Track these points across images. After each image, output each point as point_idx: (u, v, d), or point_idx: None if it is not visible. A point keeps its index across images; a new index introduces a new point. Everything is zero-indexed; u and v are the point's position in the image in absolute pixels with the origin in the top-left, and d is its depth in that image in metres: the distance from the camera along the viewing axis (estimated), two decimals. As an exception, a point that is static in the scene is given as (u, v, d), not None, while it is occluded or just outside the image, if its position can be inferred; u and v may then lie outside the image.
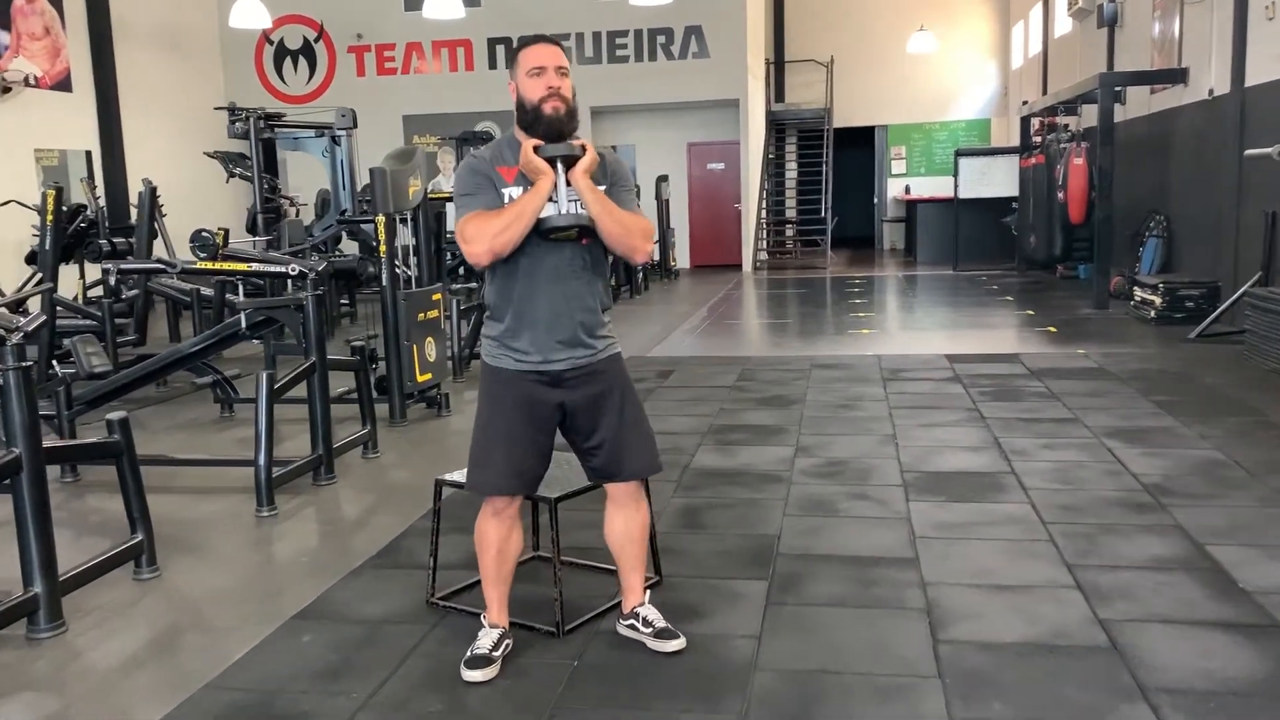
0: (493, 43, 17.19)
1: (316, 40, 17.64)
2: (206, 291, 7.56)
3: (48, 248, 7.09)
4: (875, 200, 21.06)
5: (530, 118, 2.84)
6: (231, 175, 11.88)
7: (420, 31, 17.23)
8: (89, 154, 14.45)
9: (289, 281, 4.93)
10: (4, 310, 3.44)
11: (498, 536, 3.00)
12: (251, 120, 6.96)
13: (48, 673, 3.12)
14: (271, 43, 17.55)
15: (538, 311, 2.89)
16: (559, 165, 2.81)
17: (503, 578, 3.06)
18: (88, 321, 6.73)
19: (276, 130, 6.70)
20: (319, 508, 4.76)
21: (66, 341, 4.95)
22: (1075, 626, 3.16)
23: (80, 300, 9.32)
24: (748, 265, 17.30)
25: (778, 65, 20.30)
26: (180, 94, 16.07)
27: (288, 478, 4.79)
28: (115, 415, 3.71)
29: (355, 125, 6.26)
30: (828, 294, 13.81)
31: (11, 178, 12.76)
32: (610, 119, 17.40)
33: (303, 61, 17.75)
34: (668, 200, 15.90)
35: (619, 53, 16.85)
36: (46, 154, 14.12)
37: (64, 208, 7.49)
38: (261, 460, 4.55)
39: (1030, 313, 10.84)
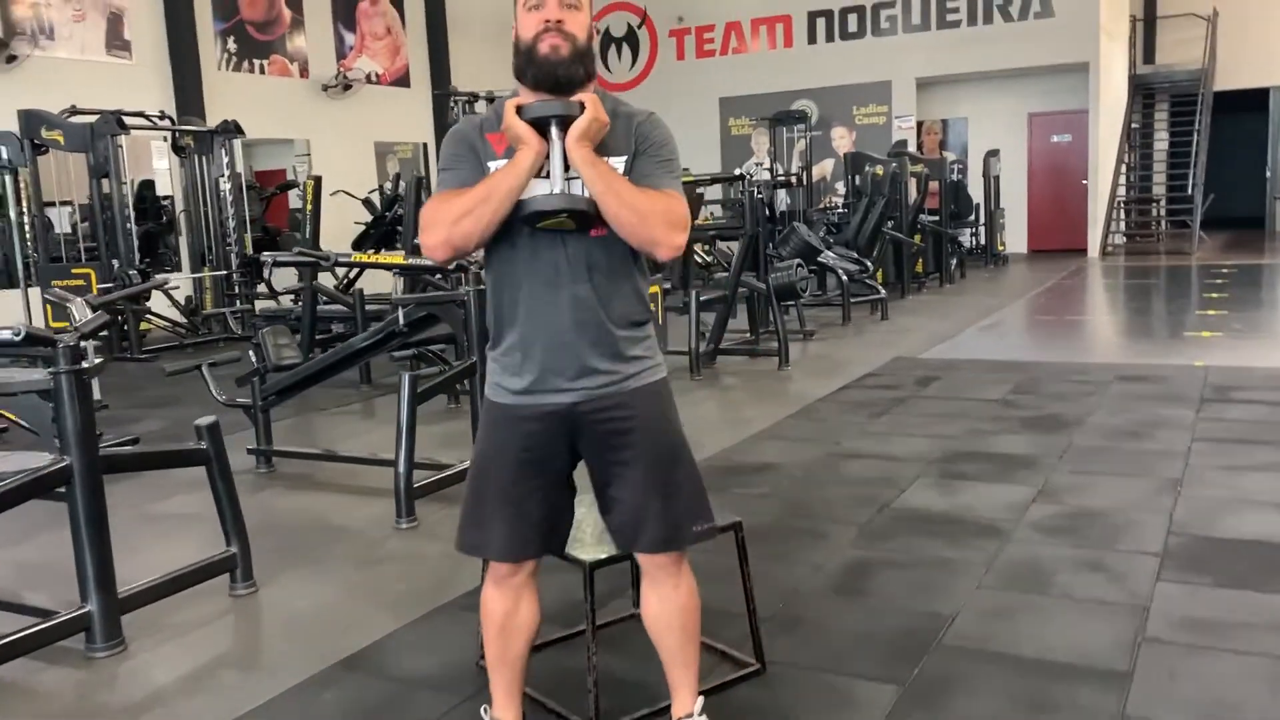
0: (813, 16, 16.35)
1: (639, 26, 17.68)
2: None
3: (306, 235, 7.32)
4: (1268, 175, 17.91)
5: (523, 62, 2.14)
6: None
7: (740, 10, 16.76)
8: (424, 146, 15.33)
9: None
10: (80, 302, 3.28)
11: (500, 610, 2.35)
12: (460, 105, 6.74)
13: (70, 698, 2.91)
14: (598, 31, 17.79)
15: (536, 328, 2.18)
16: (553, 130, 2.07)
17: (509, 661, 2.40)
18: (338, 309, 6.86)
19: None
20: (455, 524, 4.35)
21: (258, 333, 4.90)
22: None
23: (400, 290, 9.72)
24: (1094, 250, 15.25)
25: (1147, 22, 17.75)
26: (510, 85, 16.63)
27: (433, 486, 4.43)
28: (204, 421, 3.47)
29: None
30: (1180, 286, 11.75)
31: (353, 169, 13.73)
32: (939, 90, 16.00)
33: (626, 49, 17.87)
34: (997, 177, 14.31)
35: (949, 17, 15.41)
36: (402, 147, 15.15)
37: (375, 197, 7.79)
38: (401, 468, 4.21)
39: None
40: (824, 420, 5.77)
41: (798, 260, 7.62)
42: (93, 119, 9.21)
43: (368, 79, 14.35)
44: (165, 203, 11.88)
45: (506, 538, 2.29)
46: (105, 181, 9.25)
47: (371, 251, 4.99)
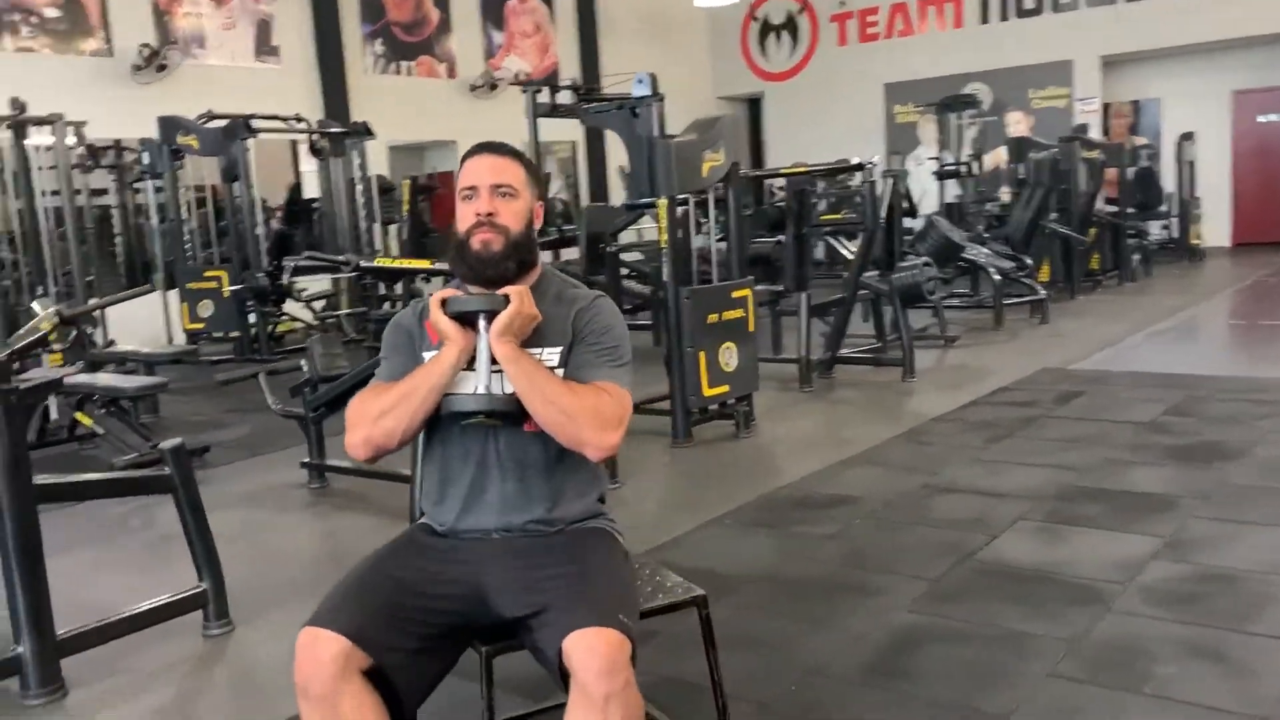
0: (985, -8, 15.17)
1: (800, 13, 16.92)
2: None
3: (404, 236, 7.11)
4: None
5: (454, 255, 2.07)
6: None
7: (906, -10, 15.76)
8: (573, 144, 15.12)
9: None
10: (50, 313, 3.01)
11: (311, 713, 1.83)
12: (529, 93, 6.30)
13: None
14: (756, 20, 17.18)
15: (464, 517, 2.06)
16: (481, 324, 1.97)
17: None
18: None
19: (585, 105, 6.00)
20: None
21: (309, 340, 4.64)
22: None
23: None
24: (1313, 242, 13.49)
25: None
26: (663, 80, 16.23)
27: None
28: (169, 444, 3.16)
29: (656, 93, 5.32)
30: None
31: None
32: (1128, 69, 14.57)
33: (785, 36, 17.14)
34: (1192, 163, 12.83)
35: (1140, -13, 13.93)
36: (559, 145, 14.99)
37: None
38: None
39: None
40: (931, 444, 5.04)
41: (924, 259, 6.83)
42: (223, 124, 9.34)
43: (515, 78, 14.23)
44: (315, 205, 12.08)
45: (339, 608, 1.90)
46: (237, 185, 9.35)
47: (394, 257, 4.71)
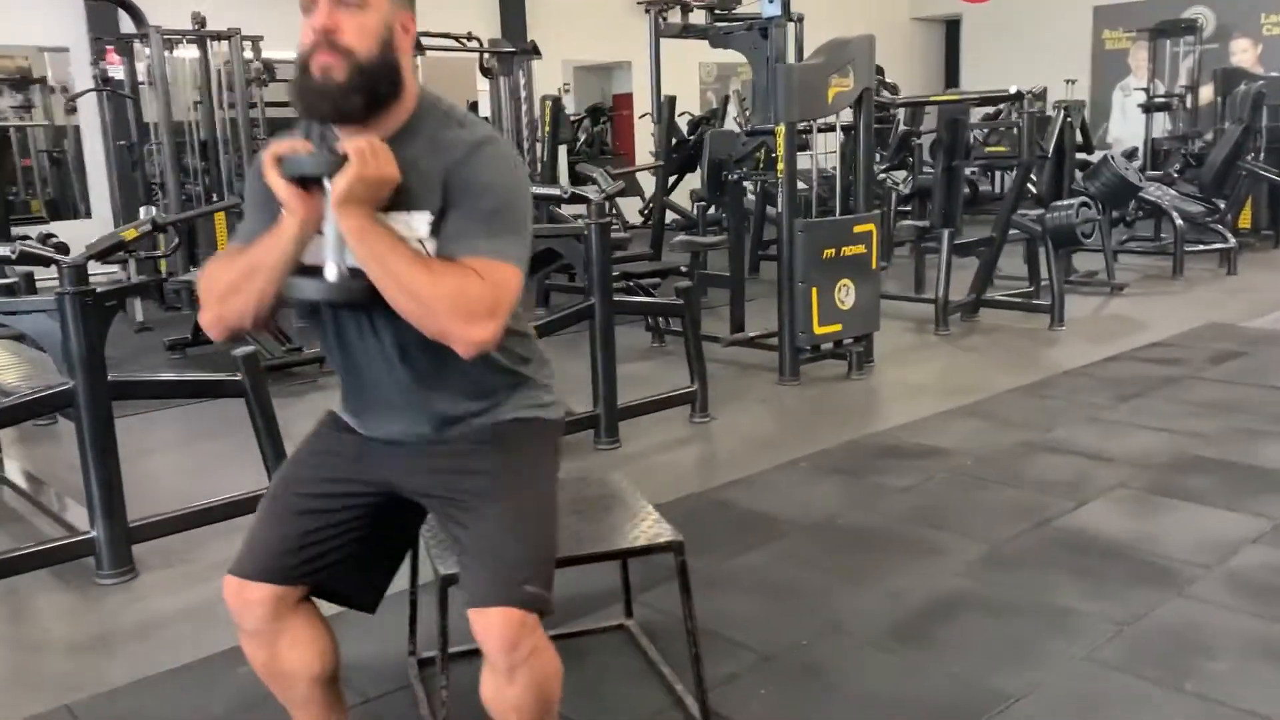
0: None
1: (1006, -73, 15.77)
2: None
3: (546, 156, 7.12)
4: None
5: (293, 85, 1.63)
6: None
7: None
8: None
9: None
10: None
11: (250, 648, 1.84)
12: (653, 13, 6.04)
13: (64, 621, 2.89)
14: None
15: (365, 399, 1.82)
16: (328, 187, 1.58)
17: (305, 701, 1.89)
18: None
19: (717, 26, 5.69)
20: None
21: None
22: None
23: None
24: None
25: None
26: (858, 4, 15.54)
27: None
28: (243, 351, 3.30)
29: (788, 13, 5.06)
30: None
31: (679, 93, 13.48)
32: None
33: (988, -47, 16.04)
34: None
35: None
36: (744, 69, 14.67)
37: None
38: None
39: None
40: (1053, 398, 4.70)
41: (1081, 200, 6.30)
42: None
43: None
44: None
45: (252, 550, 1.83)
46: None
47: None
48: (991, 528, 3.23)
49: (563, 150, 11.94)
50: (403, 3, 1.66)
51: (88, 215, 9.64)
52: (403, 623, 2.47)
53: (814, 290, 5.00)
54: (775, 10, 5.17)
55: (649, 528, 2.19)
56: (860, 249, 5.15)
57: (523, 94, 10.43)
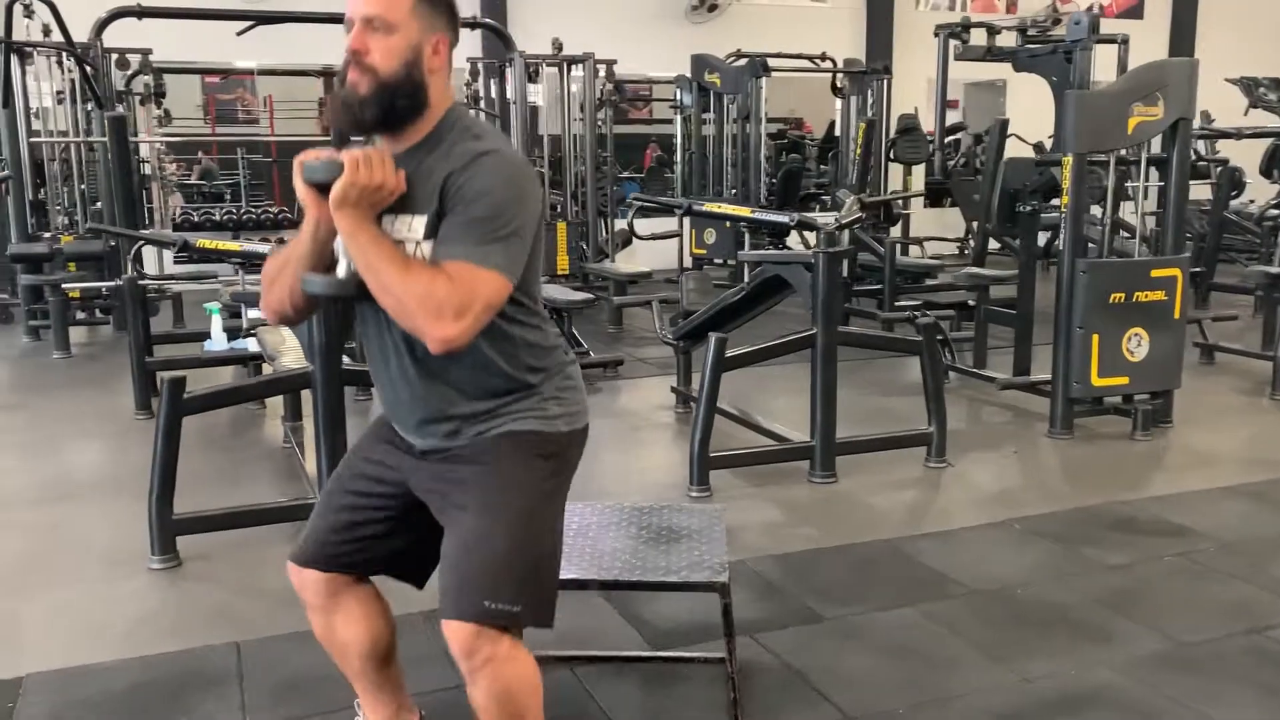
0: None
1: None
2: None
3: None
4: None
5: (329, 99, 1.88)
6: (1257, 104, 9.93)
7: None
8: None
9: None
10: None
11: (312, 619, 2.06)
12: (942, 36, 5.49)
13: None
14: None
15: (387, 395, 1.96)
16: None
17: (359, 674, 2.10)
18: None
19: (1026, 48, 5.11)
20: (769, 508, 3.93)
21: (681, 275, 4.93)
22: None
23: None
24: None
25: None
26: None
27: (739, 461, 4.08)
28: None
29: (1096, 32, 4.62)
30: None
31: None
32: None
33: None
34: None
35: None
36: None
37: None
38: (697, 433, 3.95)
39: None
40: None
41: None
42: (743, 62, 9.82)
43: (1089, 10, 12.96)
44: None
45: (305, 536, 2.05)
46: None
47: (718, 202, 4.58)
48: (1190, 625, 2.82)
49: (920, 170, 11.67)
50: (438, 26, 1.78)
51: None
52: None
53: (1095, 337, 4.56)
54: (1081, 33, 4.78)
55: (705, 565, 2.18)
56: (1159, 295, 4.61)
57: (867, 112, 10.28)
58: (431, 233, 1.73)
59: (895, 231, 10.56)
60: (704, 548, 2.28)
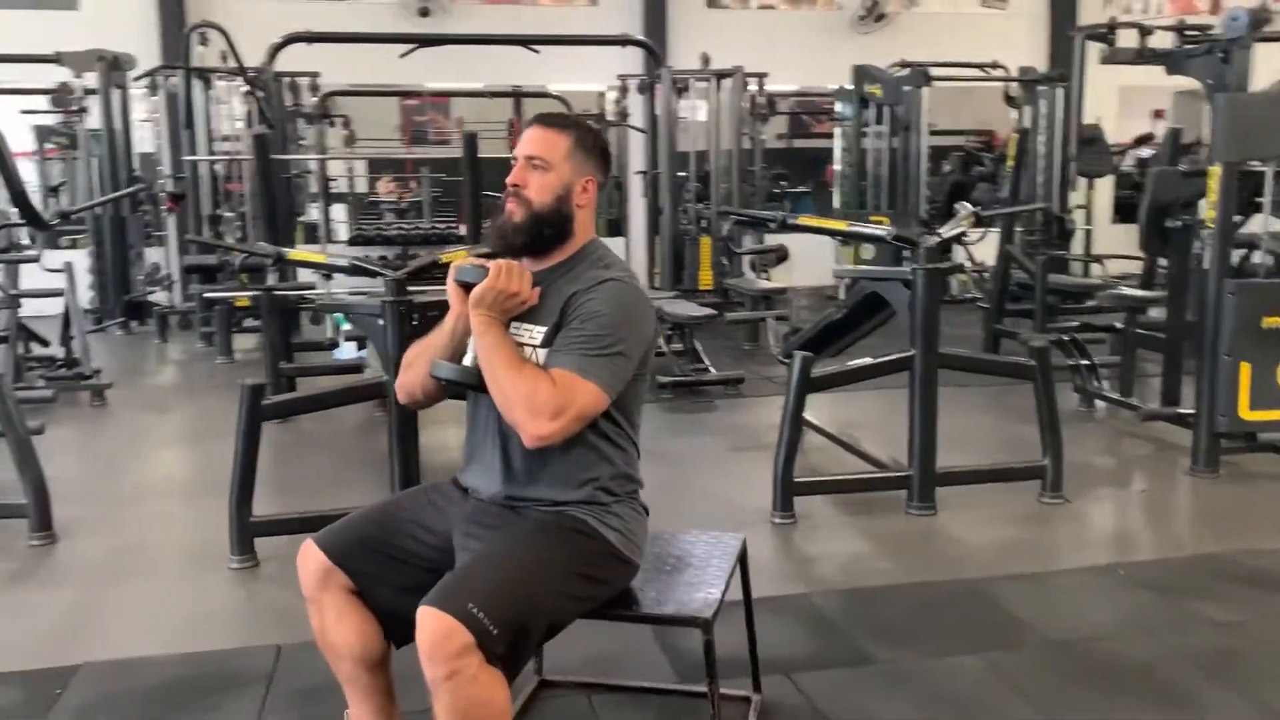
0: None
1: None
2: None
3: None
4: None
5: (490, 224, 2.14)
6: None
7: None
8: None
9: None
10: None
11: (311, 615, 2.08)
12: (1079, 38, 4.97)
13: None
14: None
15: (472, 457, 2.14)
16: None
17: (349, 678, 2.10)
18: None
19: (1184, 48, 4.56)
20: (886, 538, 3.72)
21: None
22: None
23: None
24: None
25: None
26: None
27: (834, 488, 3.88)
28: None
29: (1257, 29, 4.13)
30: None
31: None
32: None
33: None
34: None
35: None
36: None
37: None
38: (781, 458, 3.79)
39: None
40: None
41: None
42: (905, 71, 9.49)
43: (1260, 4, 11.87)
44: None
45: (337, 527, 2.10)
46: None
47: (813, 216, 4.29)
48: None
49: (1106, 182, 10.96)
50: (589, 169, 2.04)
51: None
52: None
53: (1244, 366, 4.12)
54: (1239, 30, 4.33)
55: (700, 598, 2.06)
56: (1319, 321, 4.12)
57: (1041, 121, 9.70)
58: (548, 341, 1.96)
59: (1077, 248, 9.98)
60: (703, 579, 2.16)
